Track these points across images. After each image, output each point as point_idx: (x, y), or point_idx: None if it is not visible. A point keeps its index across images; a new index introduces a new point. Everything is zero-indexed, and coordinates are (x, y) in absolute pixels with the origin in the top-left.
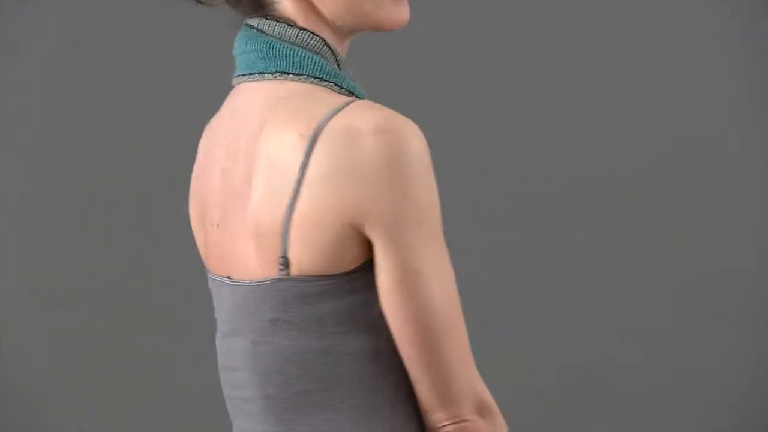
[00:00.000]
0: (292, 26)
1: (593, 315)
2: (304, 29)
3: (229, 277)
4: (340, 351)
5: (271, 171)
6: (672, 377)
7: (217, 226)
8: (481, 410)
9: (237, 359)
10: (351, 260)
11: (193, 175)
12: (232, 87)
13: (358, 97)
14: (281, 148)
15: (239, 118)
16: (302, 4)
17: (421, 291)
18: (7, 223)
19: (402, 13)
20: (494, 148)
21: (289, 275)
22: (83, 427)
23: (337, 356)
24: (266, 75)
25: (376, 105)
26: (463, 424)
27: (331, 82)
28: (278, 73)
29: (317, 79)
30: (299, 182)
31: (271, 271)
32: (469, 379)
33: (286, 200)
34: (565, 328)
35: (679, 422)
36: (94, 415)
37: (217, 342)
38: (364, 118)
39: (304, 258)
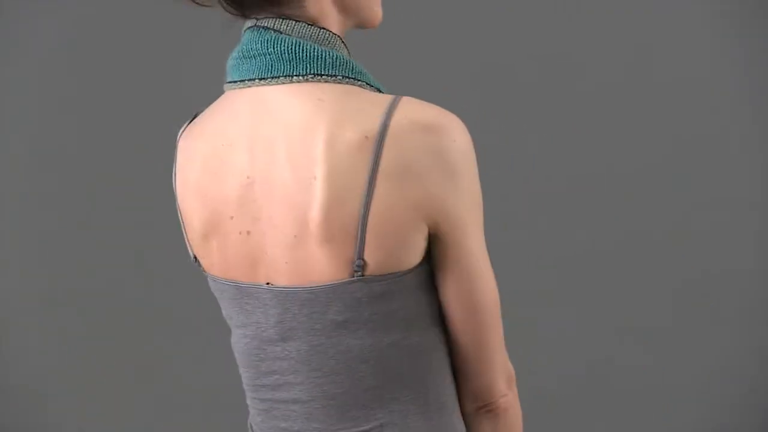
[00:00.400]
0: (312, 26)
1: (593, 315)
2: (325, 29)
3: (268, 284)
4: (405, 345)
5: (337, 174)
6: (672, 377)
7: (248, 233)
8: (510, 382)
9: (288, 363)
10: (418, 256)
11: (190, 183)
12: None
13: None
14: (345, 149)
15: (271, 123)
16: (323, 2)
17: (480, 280)
18: (7, 223)
19: (380, 12)
20: (488, 150)
21: (363, 276)
22: (83, 427)
23: (403, 350)
24: (296, 77)
25: (421, 100)
26: (501, 400)
27: (362, 81)
28: (311, 75)
29: (350, 79)
30: (371, 182)
31: (341, 273)
32: (505, 357)
33: (358, 202)
34: (565, 328)
35: (679, 422)
36: (94, 415)
37: (247, 348)
38: (422, 114)
39: (378, 257)
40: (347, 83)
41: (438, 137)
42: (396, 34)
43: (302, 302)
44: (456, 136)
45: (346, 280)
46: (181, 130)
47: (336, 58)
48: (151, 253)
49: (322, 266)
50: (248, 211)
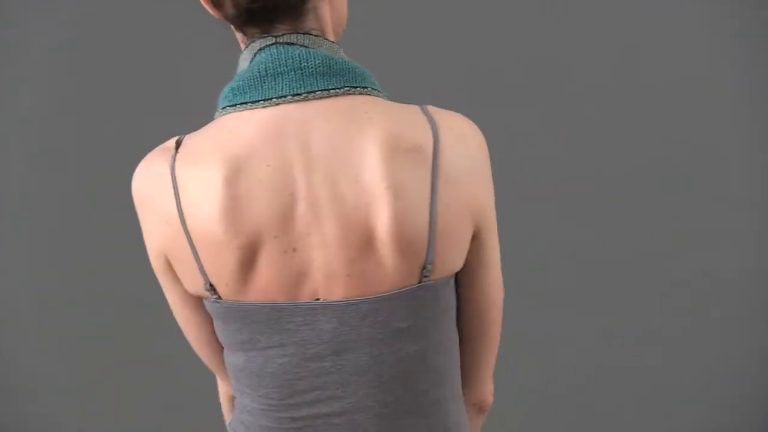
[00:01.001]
0: (325, 39)
1: (590, 316)
2: (331, 41)
3: (317, 299)
4: (447, 344)
5: (404, 184)
6: (672, 378)
7: (294, 250)
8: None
9: (337, 377)
10: (464, 257)
11: (209, 212)
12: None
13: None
14: (406, 160)
15: (314, 138)
16: (330, 15)
17: (499, 278)
18: (7, 223)
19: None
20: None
21: (429, 281)
22: (83, 427)
23: (446, 349)
24: (333, 91)
25: (442, 108)
26: (491, 398)
27: (378, 91)
28: (346, 88)
29: (375, 90)
30: (433, 190)
31: (409, 280)
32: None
33: (426, 209)
34: (558, 331)
35: (679, 422)
36: (94, 415)
37: (282, 369)
38: (458, 122)
39: (441, 261)
40: (374, 94)
41: (475, 143)
42: (384, 37)
43: (364, 313)
44: (481, 140)
45: (414, 286)
46: (162, 160)
47: (360, 70)
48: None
49: (389, 275)
50: (293, 228)
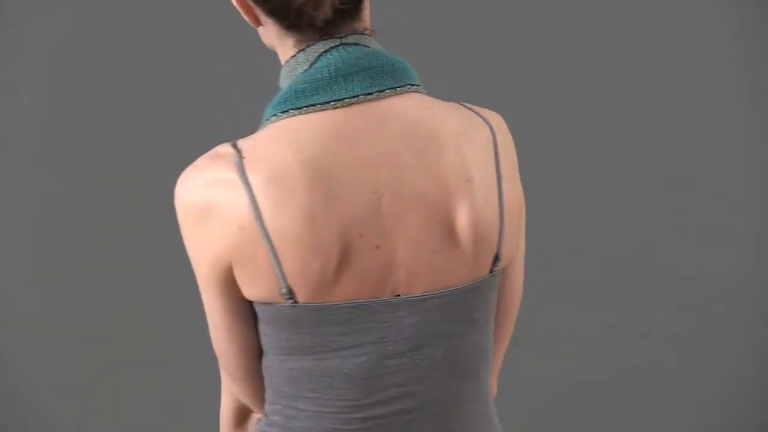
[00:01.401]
0: (373, 39)
1: (598, 313)
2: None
3: (398, 295)
4: (490, 331)
5: (481, 176)
6: (678, 375)
7: (377, 247)
8: None
9: (414, 372)
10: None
11: (295, 216)
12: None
13: None
14: (479, 153)
15: (390, 135)
16: (368, 13)
17: (523, 264)
18: (7, 223)
19: None
20: None
21: (496, 271)
22: (83, 427)
23: (490, 336)
24: (398, 89)
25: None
26: (496, 391)
27: (423, 90)
28: (407, 86)
29: (422, 87)
30: (499, 180)
31: (482, 271)
32: None
33: (496, 200)
34: (560, 329)
35: (679, 423)
36: (94, 415)
37: (360, 369)
38: (498, 118)
39: (507, 250)
40: (423, 92)
41: (511, 139)
42: (390, 37)
43: (441, 306)
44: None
45: (487, 276)
46: (224, 166)
47: (411, 69)
48: (152, 253)
49: (465, 267)
50: (377, 225)
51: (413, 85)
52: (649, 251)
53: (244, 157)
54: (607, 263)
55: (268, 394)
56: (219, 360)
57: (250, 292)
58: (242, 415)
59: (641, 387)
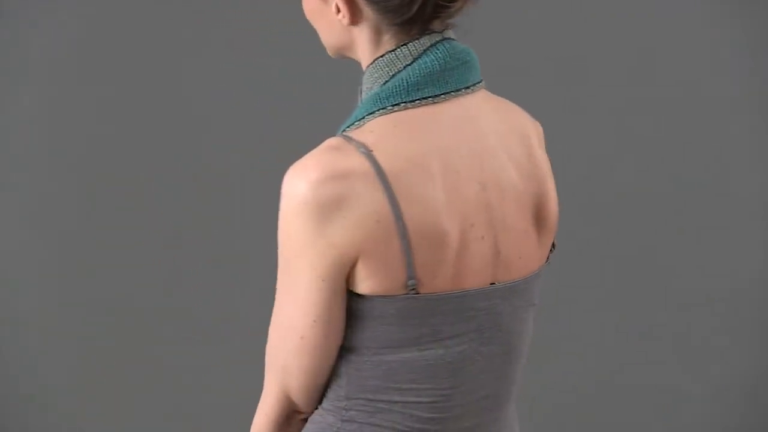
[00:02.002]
0: None
1: (598, 314)
2: None
3: (492, 284)
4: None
5: (548, 170)
6: (679, 376)
7: (482, 238)
8: None
9: (491, 360)
10: None
11: (432, 206)
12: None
13: None
14: (541, 148)
15: (483, 128)
16: None
17: None
18: (7, 222)
19: None
20: None
21: (550, 258)
22: (83, 427)
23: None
24: (479, 84)
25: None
26: None
27: None
28: (482, 81)
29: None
30: (549, 173)
31: (543, 259)
32: None
33: (554, 191)
34: (568, 328)
35: (685, 420)
36: (94, 415)
37: (455, 358)
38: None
39: (553, 240)
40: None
41: None
42: None
43: (522, 293)
44: None
45: (544, 264)
46: (354, 159)
47: None
48: (152, 252)
49: (536, 255)
50: (483, 216)
51: (482, 81)
52: (649, 251)
53: (371, 150)
54: (608, 263)
55: (341, 390)
56: (294, 360)
57: (369, 284)
58: (287, 422)
59: (641, 387)
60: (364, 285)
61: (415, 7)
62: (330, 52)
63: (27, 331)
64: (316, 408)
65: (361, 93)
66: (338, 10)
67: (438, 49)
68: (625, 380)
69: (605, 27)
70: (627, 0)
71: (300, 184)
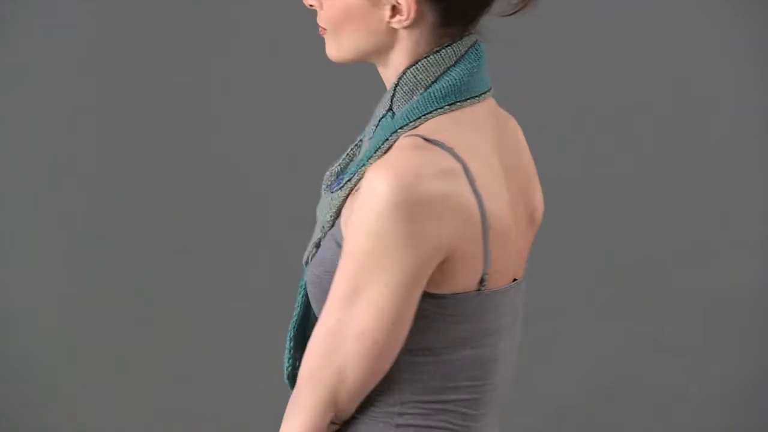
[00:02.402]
0: None
1: (607, 323)
2: None
3: (515, 280)
4: None
5: (534, 167)
6: (687, 386)
7: (516, 234)
8: None
9: (513, 355)
10: None
11: (504, 201)
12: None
13: None
14: (526, 146)
15: (504, 128)
16: None
17: None
18: (7, 223)
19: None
20: None
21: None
22: (83, 428)
23: None
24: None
25: None
26: None
27: None
28: None
29: None
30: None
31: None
32: None
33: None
34: (576, 338)
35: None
36: (94, 415)
37: (504, 350)
38: None
39: None
40: None
41: None
42: None
43: (524, 291)
44: None
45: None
46: (443, 156)
47: None
48: (152, 253)
49: (527, 252)
50: (512, 213)
51: None
52: (649, 251)
53: (451, 147)
54: (608, 264)
55: (393, 396)
56: (356, 366)
57: (448, 284)
58: None
59: (641, 387)
60: (443, 285)
61: (478, 10)
62: (347, 57)
63: (27, 331)
64: (355, 416)
65: (394, 94)
66: (393, 13)
67: (477, 50)
68: (625, 380)
69: (605, 27)
70: (627, 0)
71: (392, 184)
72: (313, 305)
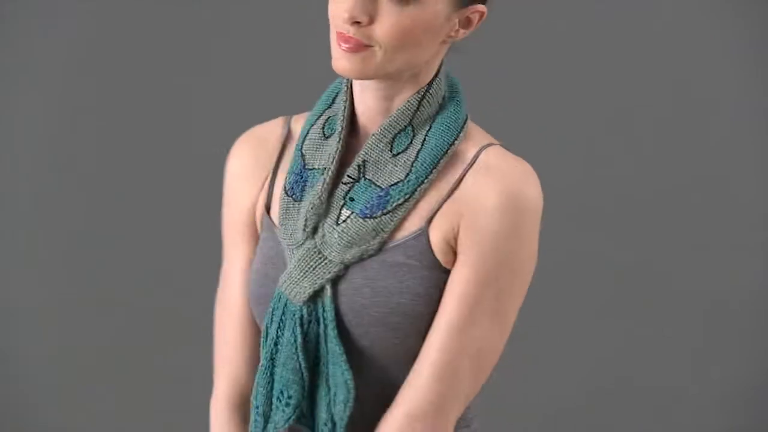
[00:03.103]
0: None
1: (608, 322)
2: None
3: None
4: None
5: None
6: (687, 387)
7: None
8: None
9: None
10: None
11: None
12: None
13: None
14: None
15: None
16: None
17: None
18: (7, 223)
19: (335, 65)
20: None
21: None
22: (83, 427)
23: None
24: None
25: None
26: None
27: None
28: None
29: None
30: None
31: None
32: None
33: None
34: (574, 336)
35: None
36: (93, 415)
37: None
38: None
39: None
40: None
41: None
42: None
43: None
44: None
45: None
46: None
47: None
48: (152, 253)
49: None
50: None
51: None
52: (649, 252)
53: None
54: (607, 265)
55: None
56: (477, 385)
57: None
58: None
59: (641, 388)
60: None
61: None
62: (386, 72)
63: (27, 331)
64: None
65: (426, 104)
66: (462, 26)
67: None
68: (625, 382)
69: (604, 28)
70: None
71: (539, 192)
72: (386, 334)
